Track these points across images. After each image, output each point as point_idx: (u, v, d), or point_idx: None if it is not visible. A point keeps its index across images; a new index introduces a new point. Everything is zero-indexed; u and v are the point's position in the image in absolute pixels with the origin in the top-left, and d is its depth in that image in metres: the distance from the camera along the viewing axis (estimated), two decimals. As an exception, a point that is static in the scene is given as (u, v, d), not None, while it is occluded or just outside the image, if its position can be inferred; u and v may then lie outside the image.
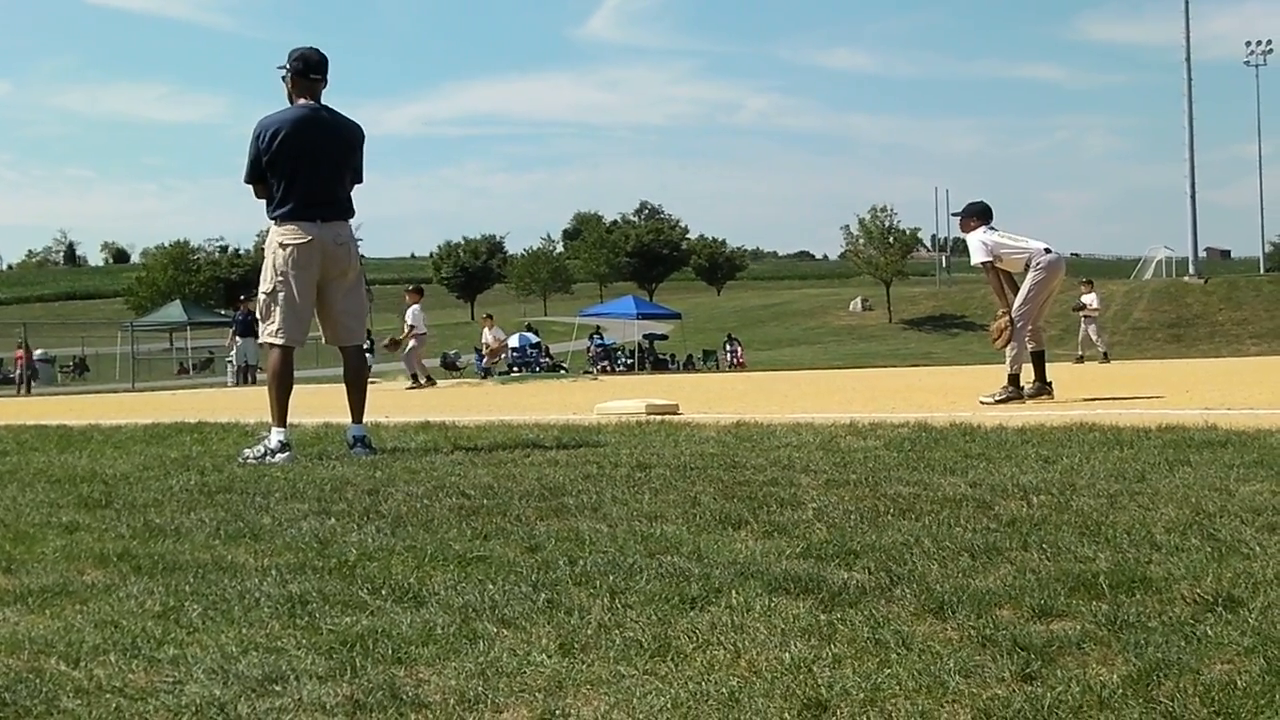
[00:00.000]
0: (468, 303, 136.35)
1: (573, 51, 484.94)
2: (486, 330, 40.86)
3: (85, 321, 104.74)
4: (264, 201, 8.56)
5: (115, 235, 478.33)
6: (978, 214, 12.78)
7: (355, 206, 8.75)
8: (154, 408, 17.17)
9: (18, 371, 50.43)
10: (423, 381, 26.01)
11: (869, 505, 5.12)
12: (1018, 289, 12.46)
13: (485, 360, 41.31)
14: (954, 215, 13.05)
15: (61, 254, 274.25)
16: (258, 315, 8.73)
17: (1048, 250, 12.54)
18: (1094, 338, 35.02)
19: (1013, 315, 12.43)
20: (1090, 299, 35.67)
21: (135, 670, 3.08)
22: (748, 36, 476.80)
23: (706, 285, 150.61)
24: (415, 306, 27.10)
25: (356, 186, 8.76)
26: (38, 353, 55.34)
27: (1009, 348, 12.42)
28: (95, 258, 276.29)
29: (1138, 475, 5.76)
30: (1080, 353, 34.93)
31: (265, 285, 8.51)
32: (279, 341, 8.50)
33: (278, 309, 8.45)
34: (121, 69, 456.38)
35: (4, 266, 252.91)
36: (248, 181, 8.56)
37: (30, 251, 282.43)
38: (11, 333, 54.51)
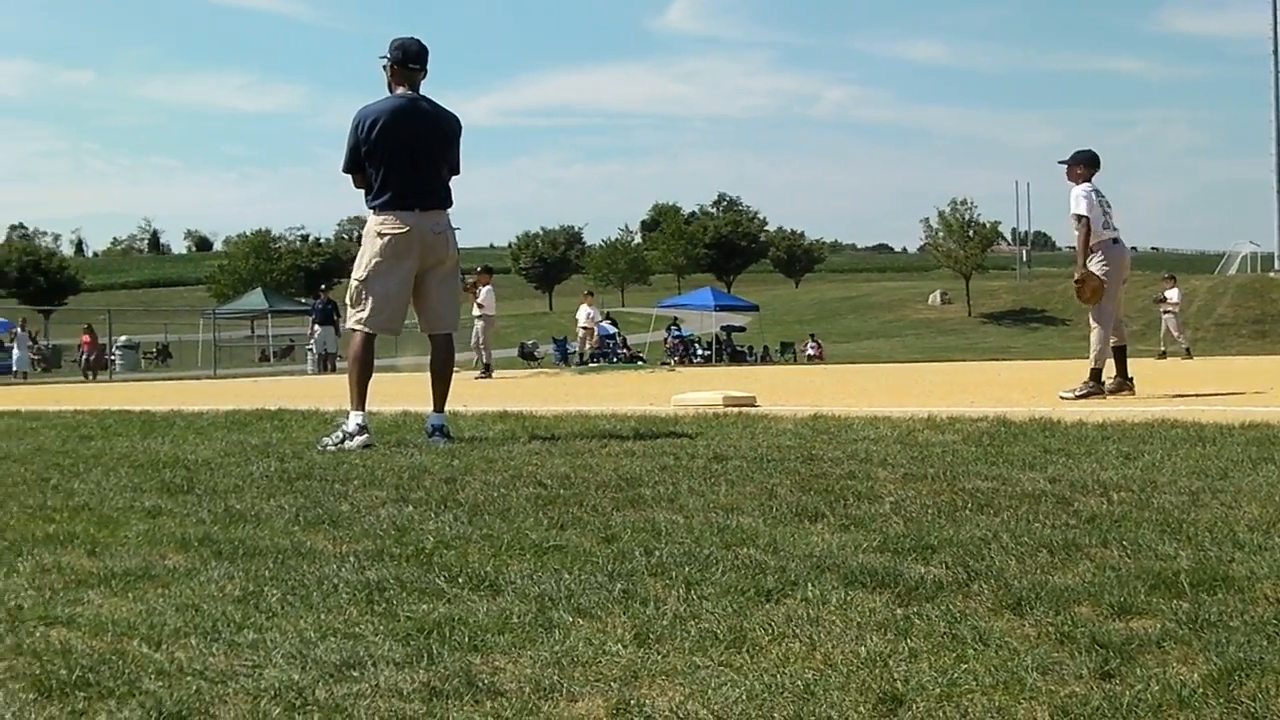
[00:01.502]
0: (545, 293, 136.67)
1: (650, 42, 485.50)
2: (585, 307, 40.95)
3: (168, 309, 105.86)
4: (361, 191, 8.60)
5: (197, 223, 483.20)
6: (1086, 161, 12.65)
7: (453, 196, 8.75)
8: (235, 395, 17.34)
9: (81, 357, 50.79)
10: (487, 362, 26.15)
11: (946, 500, 5.09)
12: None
13: (586, 343, 41.42)
14: (1061, 163, 12.84)
15: (146, 242, 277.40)
16: (347, 300, 8.71)
17: (1116, 241, 12.46)
18: (1176, 334, 34.71)
19: (1091, 313, 12.35)
20: (1172, 294, 35.36)
21: (215, 653, 3.11)
22: (824, 28, 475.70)
23: (784, 277, 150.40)
24: (487, 287, 27.22)
25: (455, 178, 8.77)
26: (121, 339, 55.84)
27: (1094, 337, 12.32)
28: (178, 245, 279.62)
29: (1220, 473, 5.70)
30: (1163, 348, 34.62)
31: (359, 272, 8.54)
32: (365, 329, 8.54)
33: (369, 297, 8.48)
34: (203, 59, 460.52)
35: (90, 254, 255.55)
36: (346, 170, 8.60)
37: (115, 239, 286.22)
38: (97, 319, 55.02)
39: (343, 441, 8.01)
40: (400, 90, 8.56)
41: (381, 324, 8.53)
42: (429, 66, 8.64)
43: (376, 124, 8.40)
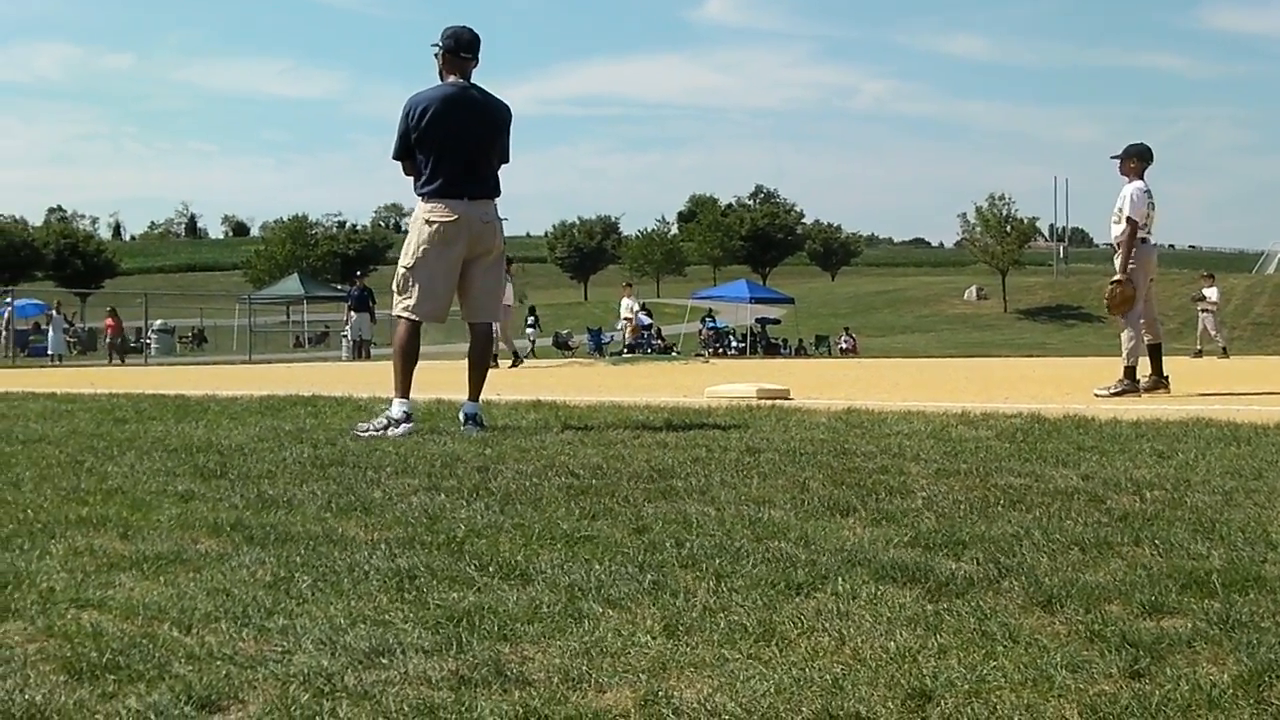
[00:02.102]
0: (581, 283, 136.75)
1: (689, 33, 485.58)
2: (627, 299, 41.00)
3: (204, 293, 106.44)
4: (406, 179, 8.61)
5: (235, 208, 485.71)
6: (1138, 155, 12.59)
7: (502, 185, 8.74)
8: (269, 380, 17.40)
9: (108, 340, 50.96)
10: (501, 348, 26.23)
11: (979, 496, 5.08)
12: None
13: (626, 334, 41.45)
14: (1114, 158, 12.76)
15: (183, 226, 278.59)
16: (394, 287, 8.70)
17: (1144, 241, 12.42)
18: (1213, 332, 34.58)
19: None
20: (1211, 292, 35.23)
21: (245, 639, 3.12)
22: (864, 20, 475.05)
23: (820, 270, 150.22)
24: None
25: (503, 167, 8.76)
26: (157, 323, 56.08)
27: (1125, 336, 12.29)
28: (215, 230, 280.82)
29: (1254, 473, 5.67)
30: (1199, 347, 34.49)
31: (406, 259, 8.55)
32: (411, 317, 8.54)
33: (416, 285, 8.48)
34: (242, 44, 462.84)
35: (128, 237, 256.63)
36: (396, 158, 8.60)
37: (153, 223, 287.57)
38: (133, 303, 55.27)
39: (386, 429, 8.02)
40: (452, 78, 8.56)
41: (427, 312, 8.52)
42: (480, 56, 8.63)
43: (428, 112, 8.40)
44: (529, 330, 48.46)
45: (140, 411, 10.26)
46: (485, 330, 8.85)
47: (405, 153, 8.55)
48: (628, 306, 41.49)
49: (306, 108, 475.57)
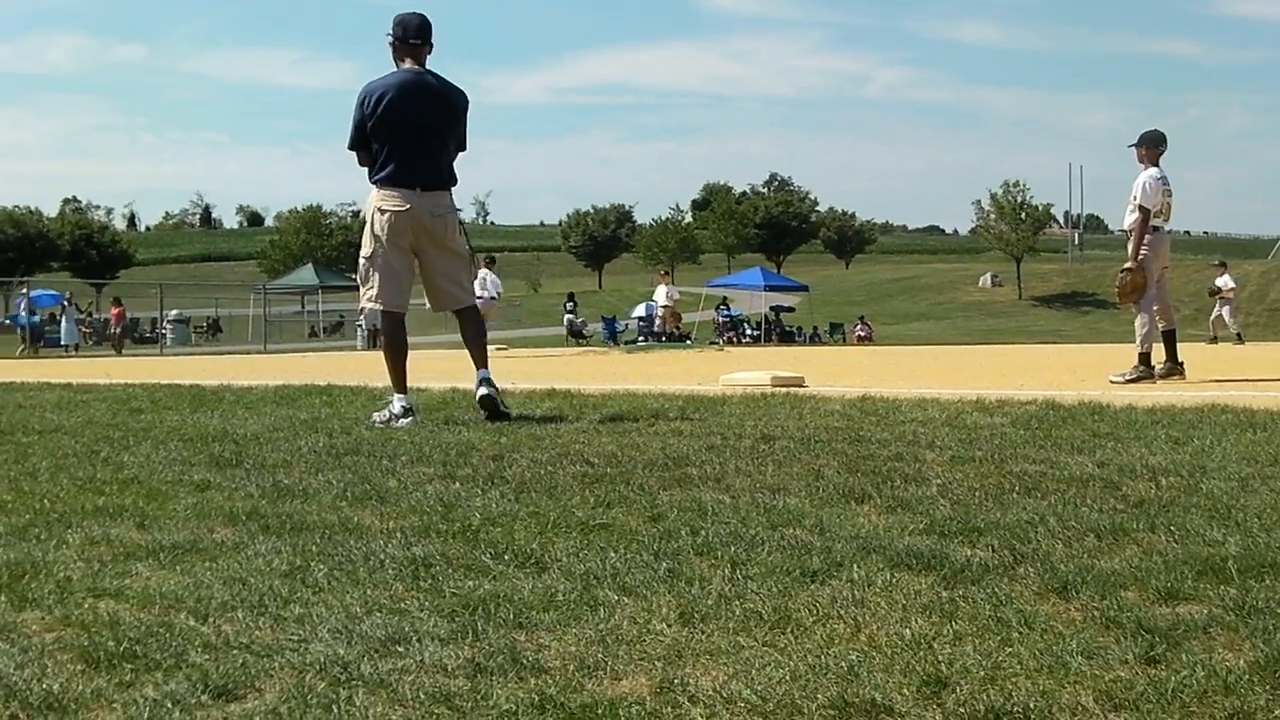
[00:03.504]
0: (595, 271, 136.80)
1: (700, 21, 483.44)
2: (664, 287, 40.83)
3: (219, 283, 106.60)
4: (366, 170, 8.50)
5: (248, 198, 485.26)
6: (1151, 142, 12.57)
7: (458, 175, 8.65)
8: (284, 370, 17.41)
9: (115, 329, 51.05)
10: None
11: (994, 483, 5.08)
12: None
13: (664, 324, 41.39)
14: (1131, 146, 12.74)
15: (197, 216, 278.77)
16: (358, 279, 8.70)
17: (1157, 229, 12.39)
18: (1228, 319, 34.51)
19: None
20: (1224, 280, 35.15)
21: (262, 627, 3.13)
22: (875, 8, 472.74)
23: (835, 258, 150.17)
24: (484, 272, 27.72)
25: (460, 155, 8.68)
26: (172, 313, 56.21)
27: (1139, 323, 12.27)
28: (230, 220, 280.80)
29: (1270, 459, 5.66)
30: (1213, 334, 34.41)
31: (365, 250, 8.50)
32: (378, 306, 8.49)
33: (376, 274, 8.42)
34: (254, 34, 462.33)
35: (143, 228, 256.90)
36: (351, 148, 8.49)
37: (167, 214, 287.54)
38: (148, 293, 55.40)
39: (389, 421, 8.02)
40: (406, 65, 8.46)
41: (391, 299, 8.47)
42: (434, 41, 8.51)
43: (383, 99, 8.29)
44: (568, 316, 48.59)
45: (156, 401, 10.28)
46: (471, 312, 8.80)
47: (361, 143, 8.43)
48: (665, 294, 41.44)
49: (319, 97, 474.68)
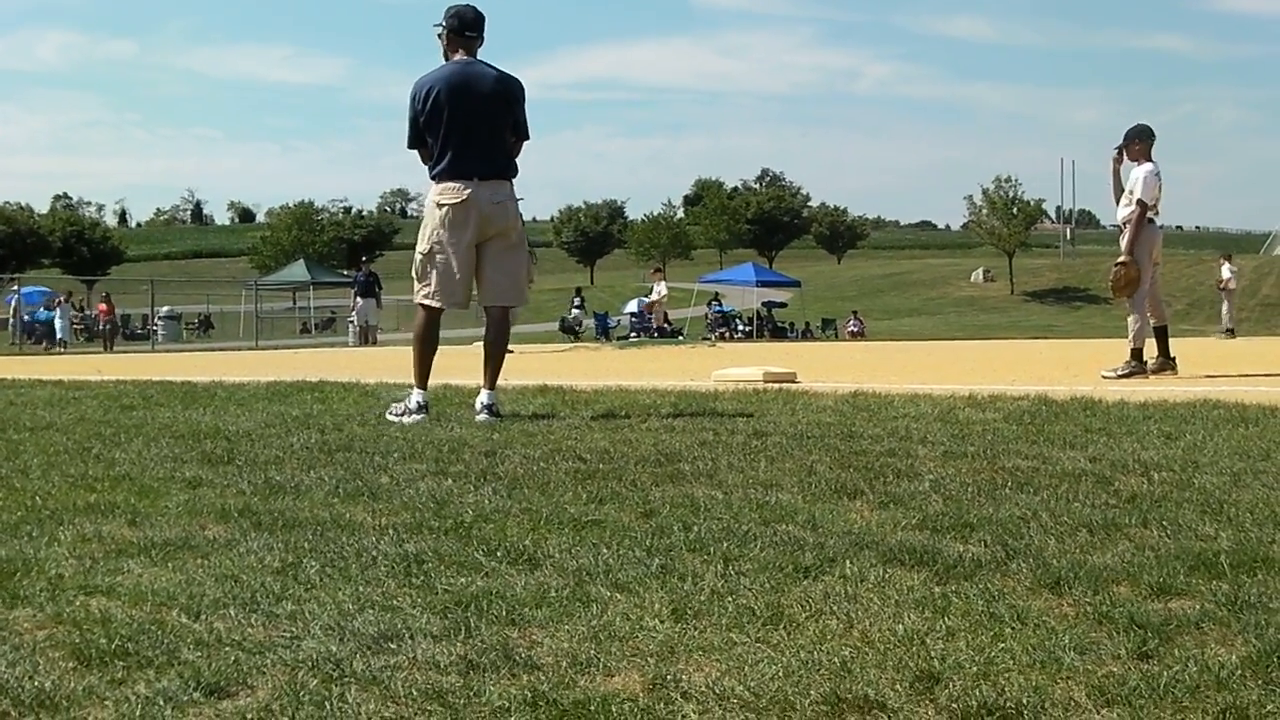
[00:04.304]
0: (587, 267, 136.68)
1: (692, 17, 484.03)
2: (659, 284, 41.01)
3: (211, 279, 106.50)
4: (426, 167, 8.42)
5: (240, 195, 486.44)
6: (1139, 136, 12.48)
7: (519, 165, 8.55)
8: (276, 366, 17.40)
9: (102, 325, 50.94)
10: None
11: (986, 478, 5.08)
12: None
13: (653, 319, 41.47)
14: (1117, 147, 12.68)
15: (189, 213, 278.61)
16: (413, 274, 8.53)
17: (1150, 222, 12.39)
18: (1224, 312, 34.65)
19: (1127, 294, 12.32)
20: (1224, 270, 35.27)
21: (254, 624, 3.13)
22: (867, 3, 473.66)
23: (827, 254, 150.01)
24: None
25: (525, 143, 8.56)
26: (163, 309, 56.11)
27: (1131, 318, 12.28)
28: (221, 216, 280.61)
29: (1262, 454, 5.67)
30: (1229, 325, 34.50)
31: (422, 245, 8.37)
32: (433, 304, 8.36)
33: (434, 270, 8.30)
34: (245, 31, 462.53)
35: (134, 224, 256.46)
36: (411, 147, 8.43)
37: (158, 210, 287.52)
38: (139, 289, 55.33)
39: (403, 415, 7.99)
40: (457, 57, 8.38)
41: (447, 298, 8.35)
42: (485, 33, 8.44)
43: (432, 93, 8.22)
44: (575, 311, 48.60)
45: (147, 398, 10.26)
46: (502, 315, 8.63)
47: (419, 140, 8.37)
48: (659, 292, 41.56)
49: (310, 93, 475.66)
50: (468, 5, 8.38)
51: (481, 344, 8.76)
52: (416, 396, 8.19)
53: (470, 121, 8.26)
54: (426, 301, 8.40)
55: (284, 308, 68.53)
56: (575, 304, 49.42)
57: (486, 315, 8.67)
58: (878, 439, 6.39)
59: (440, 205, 8.26)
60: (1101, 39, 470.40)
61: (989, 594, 3.25)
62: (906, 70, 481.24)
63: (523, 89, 8.55)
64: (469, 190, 8.23)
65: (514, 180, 8.54)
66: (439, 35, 8.41)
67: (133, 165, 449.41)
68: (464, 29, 8.36)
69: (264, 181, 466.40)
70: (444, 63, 8.43)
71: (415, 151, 8.47)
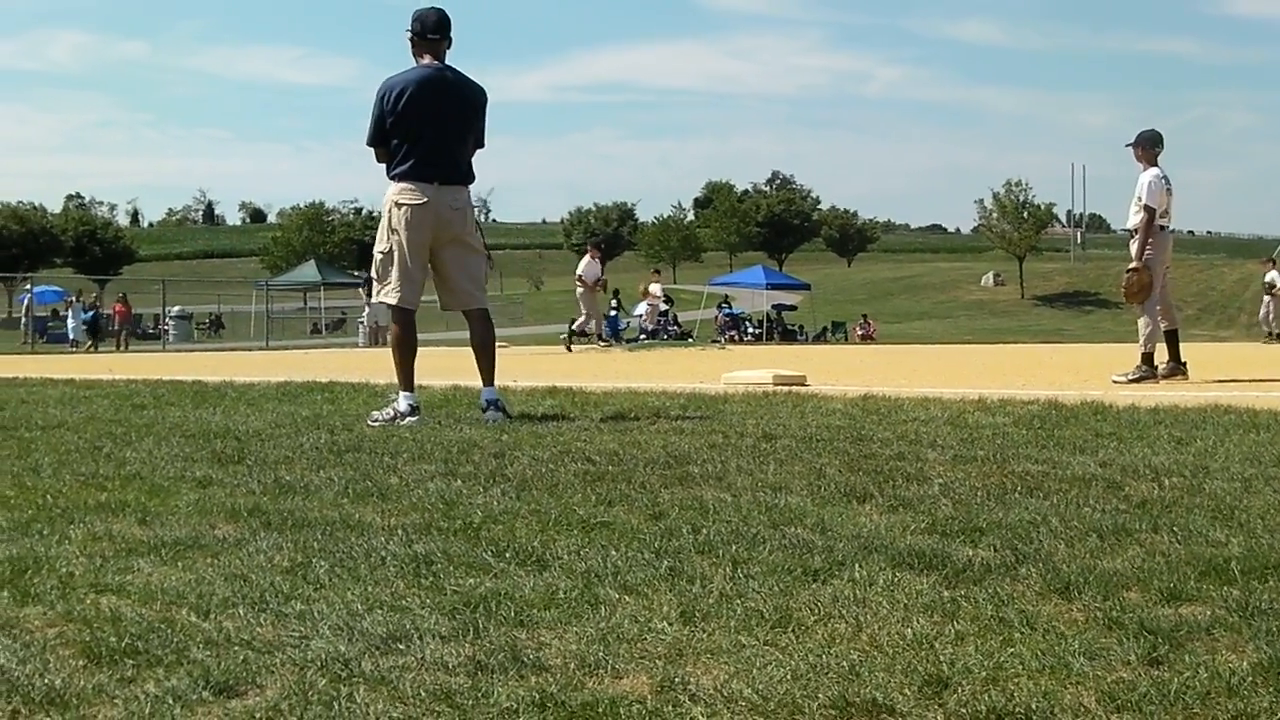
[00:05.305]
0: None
1: (702, 20, 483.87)
2: (656, 285, 41.22)
3: (222, 280, 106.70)
4: (384, 166, 8.43)
5: (251, 195, 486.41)
6: (1148, 142, 12.52)
7: (476, 172, 8.60)
8: (287, 366, 17.42)
9: (115, 326, 51.04)
10: (595, 330, 28.00)
11: (996, 482, 5.07)
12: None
13: (646, 320, 41.57)
14: (1128, 146, 12.71)
15: (200, 213, 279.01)
16: (373, 274, 8.61)
17: (1162, 229, 12.39)
18: (1271, 315, 34.77)
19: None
20: (1270, 275, 35.39)
21: (263, 624, 3.13)
22: (877, 6, 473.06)
23: (837, 256, 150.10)
24: (585, 259, 28.86)
25: (478, 151, 8.64)
26: (174, 309, 56.22)
27: (1142, 322, 12.28)
28: (233, 217, 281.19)
29: (1274, 459, 5.65)
30: (1274, 330, 34.54)
31: (381, 245, 8.43)
32: (393, 301, 8.40)
33: (393, 269, 8.35)
34: (256, 32, 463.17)
35: (146, 224, 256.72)
36: (370, 144, 8.44)
37: (170, 210, 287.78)
38: (151, 289, 55.42)
39: (394, 420, 7.98)
40: (425, 60, 8.40)
41: (409, 296, 8.40)
42: (453, 36, 8.46)
43: (403, 94, 8.25)
44: (613, 313, 48.70)
45: (158, 397, 10.28)
46: (482, 315, 8.68)
47: (381, 139, 8.38)
48: (653, 293, 41.70)
49: (322, 95, 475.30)
50: (431, 9, 8.43)
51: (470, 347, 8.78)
52: (406, 399, 8.20)
53: (439, 126, 8.31)
54: (391, 300, 8.43)
55: (295, 308, 68.61)
56: (613, 305, 49.48)
57: (467, 319, 8.69)
58: (887, 442, 6.38)
59: (400, 205, 8.31)
60: (1111, 43, 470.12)
61: (998, 599, 3.25)
62: (917, 73, 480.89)
63: (487, 98, 8.64)
64: (429, 194, 8.28)
65: (470, 187, 8.62)
66: (409, 39, 8.47)
67: (145, 165, 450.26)
68: (427, 32, 8.40)
69: (275, 182, 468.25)
70: (413, 65, 8.46)
71: (372, 149, 8.47)
